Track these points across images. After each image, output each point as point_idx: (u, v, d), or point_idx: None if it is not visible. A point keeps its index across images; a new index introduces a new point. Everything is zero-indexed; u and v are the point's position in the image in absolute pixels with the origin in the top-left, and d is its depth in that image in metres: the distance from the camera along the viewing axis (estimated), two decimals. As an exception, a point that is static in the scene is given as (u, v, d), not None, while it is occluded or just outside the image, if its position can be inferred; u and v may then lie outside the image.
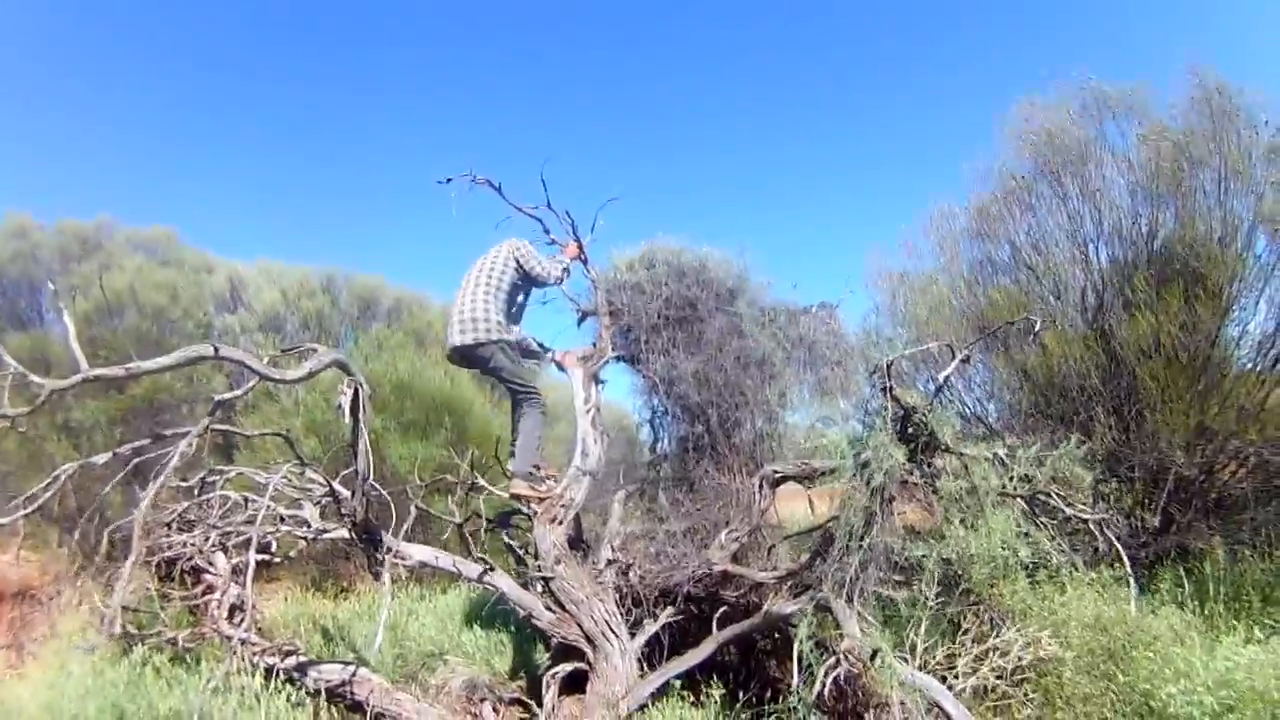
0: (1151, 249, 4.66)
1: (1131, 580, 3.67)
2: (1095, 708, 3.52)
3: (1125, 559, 3.69)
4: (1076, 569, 3.51)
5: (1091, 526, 3.61)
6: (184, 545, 4.12)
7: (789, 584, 3.37)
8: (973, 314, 4.48)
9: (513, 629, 4.49)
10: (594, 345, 4.37)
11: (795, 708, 3.13)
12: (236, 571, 3.80)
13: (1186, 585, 4.25)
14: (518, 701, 4.08)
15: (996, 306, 4.43)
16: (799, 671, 3.14)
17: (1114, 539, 3.63)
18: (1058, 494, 3.50)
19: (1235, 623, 4.08)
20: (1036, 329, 3.84)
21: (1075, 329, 4.36)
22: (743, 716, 3.43)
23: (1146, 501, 4.18)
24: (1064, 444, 3.61)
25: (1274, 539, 4.77)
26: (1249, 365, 5.08)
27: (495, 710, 4.10)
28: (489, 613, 4.63)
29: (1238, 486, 4.61)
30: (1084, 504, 3.63)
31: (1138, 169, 4.65)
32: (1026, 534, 3.36)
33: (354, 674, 3.56)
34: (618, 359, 4.20)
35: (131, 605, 3.76)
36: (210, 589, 3.94)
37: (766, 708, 3.44)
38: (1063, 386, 4.18)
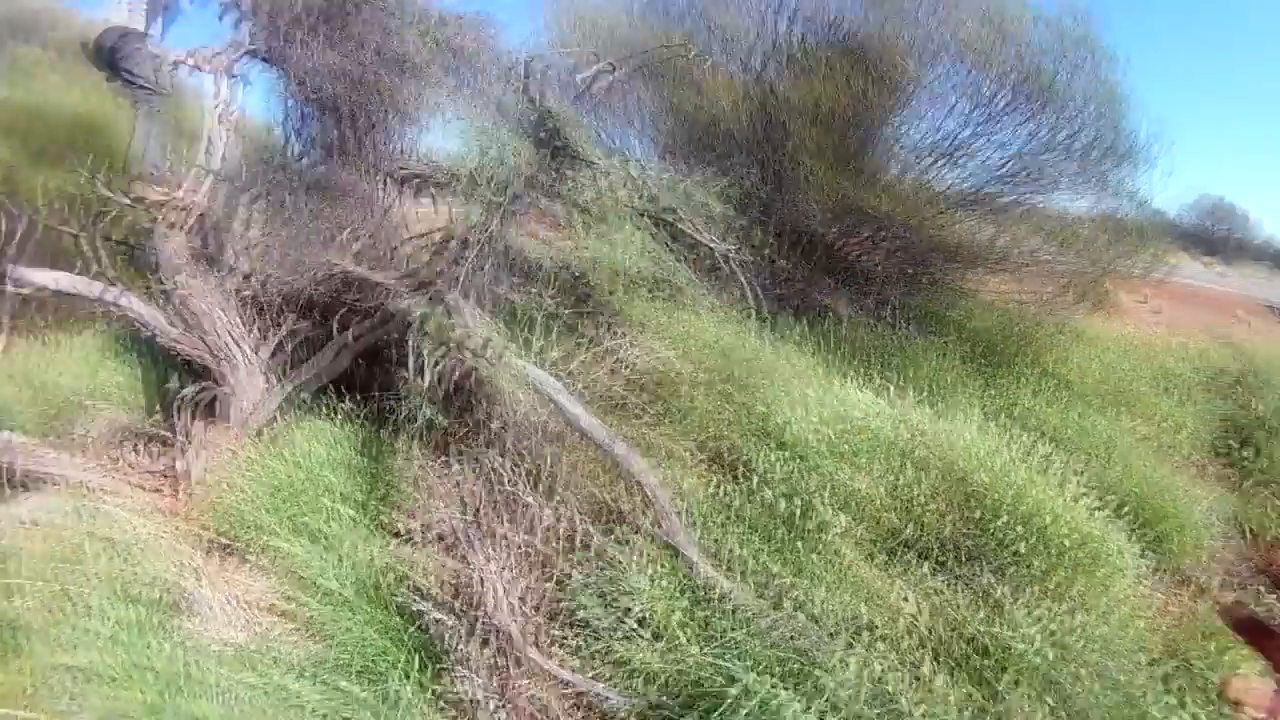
0: (837, 35, 4.91)
1: (754, 310, 4.04)
2: (713, 421, 3.93)
3: (751, 290, 4.04)
4: (702, 291, 3.79)
5: (718, 255, 3.88)
6: None
7: (410, 284, 3.35)
8: (636, 44, 4.49)
9: (153, 363, 4.16)
10: (230, 40, 3.87)
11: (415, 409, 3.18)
12: None
13: (810, 333, 4.82)
14: (158, 438, 3.87)
15: (660, 40, 4.49)
16: (413, 365, 3.18)
17: (739, 269, 3.94)
18: (689, 220, 3.73)
19: (852, 373, 4.70)
20: (691, 55, 3.93)
21: (736, 79, 4.55)
22: (368, 422, 3.46)
23: (785, 250, 4.63)
24: (710, 181, 3.82)
25: (901, 316, 5.55)
26: (906, 166, 5.71)
27: (136, 451, 3.90)
28: (128, 349, 4.25)
29: (873, 263, 5.26)
30: (716, 236, 3.88)
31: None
32: (651, 252, 3.56)
33: (-5, 439, 3.18)
34: (252, 53, 3.75)
35: None
36: None
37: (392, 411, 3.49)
38: (714, 129, 4.39)
